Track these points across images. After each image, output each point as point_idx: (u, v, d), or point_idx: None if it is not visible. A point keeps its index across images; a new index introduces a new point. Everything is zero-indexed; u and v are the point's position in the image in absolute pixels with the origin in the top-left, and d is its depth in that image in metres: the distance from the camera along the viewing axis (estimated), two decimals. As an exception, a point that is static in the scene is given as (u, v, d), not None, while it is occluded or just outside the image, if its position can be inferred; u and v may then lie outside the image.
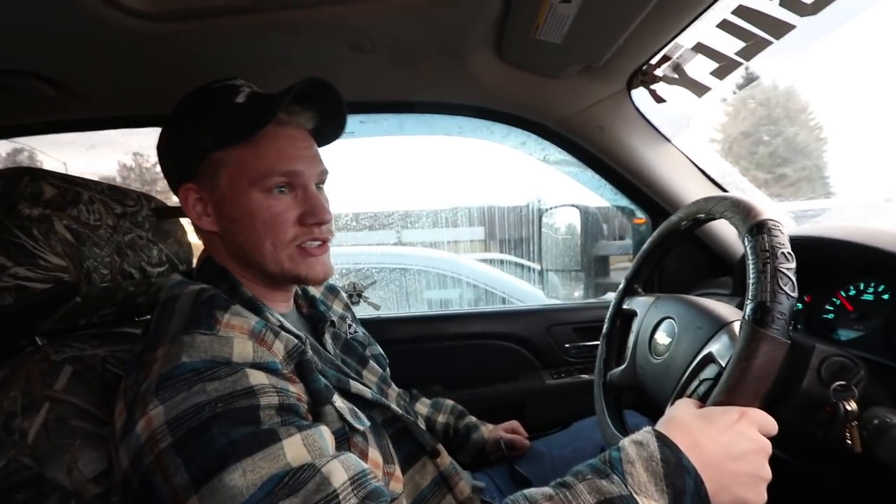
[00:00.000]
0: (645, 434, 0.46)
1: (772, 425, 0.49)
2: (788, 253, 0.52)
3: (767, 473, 0.47)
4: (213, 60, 0.85)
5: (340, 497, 0.43)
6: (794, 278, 0.51)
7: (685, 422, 0.48)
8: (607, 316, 0.87)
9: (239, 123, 0.59)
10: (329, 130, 0.70)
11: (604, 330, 0.86)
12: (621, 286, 0.88)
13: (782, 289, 0.50)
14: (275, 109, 0.58)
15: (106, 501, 0.51)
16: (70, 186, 0.65)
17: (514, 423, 1.01)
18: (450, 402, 1.02)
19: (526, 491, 0.45)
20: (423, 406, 1.00)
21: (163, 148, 0.65)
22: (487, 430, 0.99)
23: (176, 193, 0.65)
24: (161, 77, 0.88)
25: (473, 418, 1.01)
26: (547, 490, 0.44)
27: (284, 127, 0.62)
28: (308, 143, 0.65)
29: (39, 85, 0.85)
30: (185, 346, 0.49)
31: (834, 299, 0.82)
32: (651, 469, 0.42)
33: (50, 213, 0.60)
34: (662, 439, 0.45)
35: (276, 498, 0.41)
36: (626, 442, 0.46)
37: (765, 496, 0.47)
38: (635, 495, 0.41)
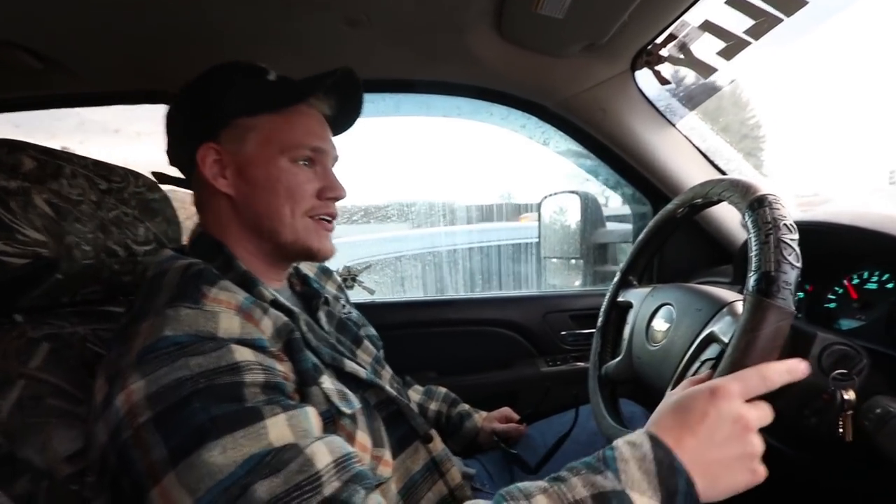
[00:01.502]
0: (639, 435, 0.46)
1: (751, 385, 0.47)
2: (791, 224, 0.51)
3: (755, 447, 0.46)
4: (205, 34, 0.82)
5: (323, 479, 0.43)
6: (797, 249, 0.50)
7: (665, 419, 0.48)
8: (602, 309, 0.85)
9: (274, 94, 0.63)
10: (341, 122, 0.73)
11: (598, 323, 0.84)
12: (616, 278, 0.86)
13: (786, 258, 0.49)
14: (310, 90, 0.63)
15: (79, 481, 0.50)
16: (51, 159, 0.62)
17: (506, 410, 1.00)
18: (442, 390, 1.01)
19: (520, 484, 0.45)
20: (415, 393, 0.99)
21: (177, 113, 0.66)
22: (480, 417, 0.98)
23: (180, 159, 0.66)
24: (152, 51, 0.85)
25: (466, 406, 1.00)
26: (541, 483, 0.45)
27: (311, 108, 0.66)
28: (325, 125, 0.68)
29: (25, 57, 0.82)
30: (169, 320, 0.48)
31: (837, 288, 0.80)
32: (644, 468, 0.43)
33: (29, 185, 0.58)
34: (655, 440, 0.45)
35: (257, 476, 0.41)
36: (619, 442, 0.46)
37: (760, 470, 0.46)
38: (628, 491, 0.42)
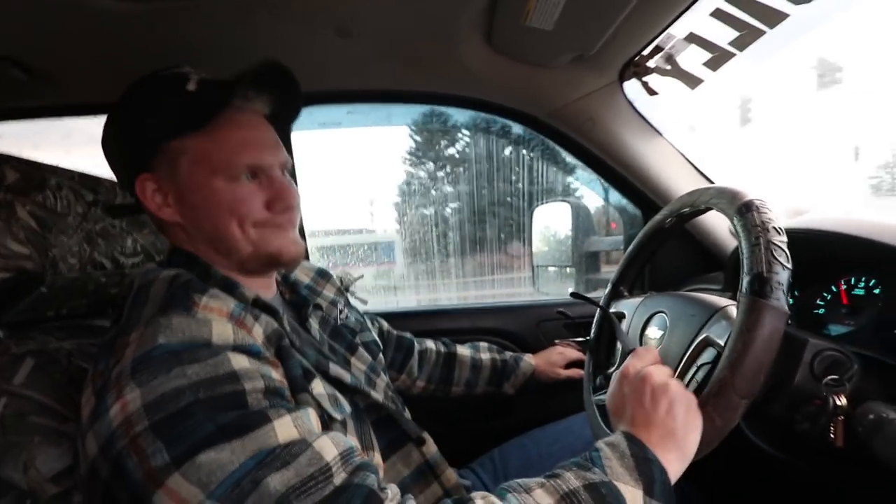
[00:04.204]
0: (616, 436, 0.52)
1: (641, 351, 0.60)
2: (779, 227, 0.52)
3: (674, 388, 0.53)
4: (193, 45, 0.81)
5: (333, 470, 0.44)
6: (787, 251, 0.51)
7: (617, 414, 0.57)
8: (594, 322, 0.85)
9: (192, 111, 0.56)
10: (285, 115, 0.67)
11: (591, 335, 0.85)
12: (607, 290, 0.86)
13: (777, 259, 0.50)
14: (229, 95, 0.56)
15: (65, 502, 0.48)
16: (35, 171, 0.61)
17: (557, 350, 1.11)
18: (485, 344, 1.08)
19: (519, 479, 0.49)
20: (464, 349, 1.05)
21: (110, 140, 0.61)
22: (531, 358, 1.07)
23: (126, 187, 0.62)
24: (137, 62, 0.84)
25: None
26: (538, 478, 0.49)
27: (241, 113, 0.60)
28: (267, 129, 0.62)
29: (9, 68, 0.81)
30: (161, 328, 0.47)
31: (825, 293, 0.81)
32: (625, 464, 0.48)
33: (12, 197, 0.57)
34: (630, 438, 0.51)
35: (268, 469, 0.41)
36: (601, 444, 0.52)
37: (693, 404, 0.52)
38: (615, 482, 0.47)
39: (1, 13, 0.67)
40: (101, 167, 0.75)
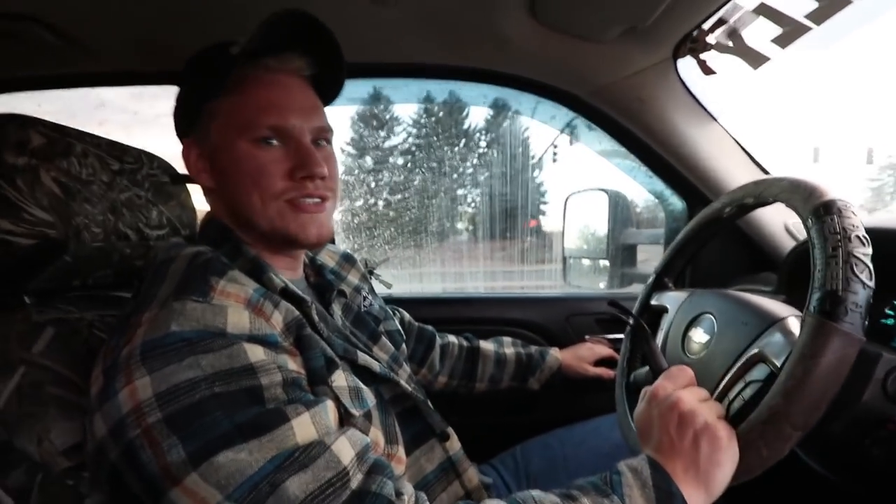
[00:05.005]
0: (640, 460, 0.49)
1: (674, 371, 0.54)
2: (863, 237, 0.45)
3: (703, 419, 0.48)
4: (223, 13, 0.79)
5: (350, 473, 0.43)
6: (870, 266, 0.44)
7: (644, 436, 0.53)
8: (633, 311, 0.80)
9: (228, 69, 0.55)
10: (329, 79, 0.63)
11: (628, 326, 0.79)
12: (650, 279, 0.80)
13: (857, 276, 0.43)
14: (252, 52, 0.55)
15: (76, 476, 0.47)
16: (61, 137, 0.60)
17: (587, 346, 1.05)
18: (508, 339, 1.04)
19: (534, 492, 0.48)
20: (487, 344, 1.01)
21: (174, 109, 0.63)
22: (557, 352, 1.02)
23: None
24: (168, 30, 0.83)
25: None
26: (553, 497, 0.47)
27: (275, 74, 0.58)
28: (304, 93, 0.60)
29: (42, 32, 0.81)
30: (175, 314, 0.45)
31: (895, 302, 0.72)
32: (646, 495, 0.46)
33: (37, 163, 0.56)
34: (654, 466, 0.48)
35: (286, 473, 0.41)
36: (623, 467, 0.48)
37: (721, 440, 0.46)
38: None
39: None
40: (133, 138, 0.75)
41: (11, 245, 0.54)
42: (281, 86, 0.58)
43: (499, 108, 1.21)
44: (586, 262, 1.52)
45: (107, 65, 0.91)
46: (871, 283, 0.43)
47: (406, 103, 1.39)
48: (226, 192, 0.59)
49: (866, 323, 0.43)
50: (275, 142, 0.56)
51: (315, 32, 0.58)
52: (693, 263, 1.13)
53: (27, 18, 0.78)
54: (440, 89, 1.16)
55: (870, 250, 0.45)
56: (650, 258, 1.41)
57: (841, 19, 0.70)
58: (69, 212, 0.58)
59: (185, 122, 0.61)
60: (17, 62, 0.89)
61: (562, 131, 1.25)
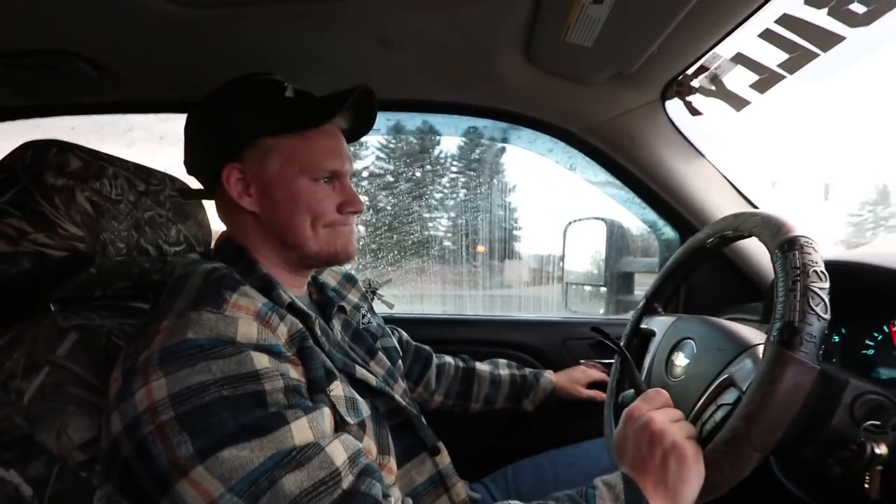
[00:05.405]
0: (615, 476, 0.52)
1: (651, 393, 0.58)
2: (821, 272, 0.48)
3: (672, 438, 0.51)
4: (243, 50, 0.86)
5: (342, 474, 0.47)
6: (826, 299, 0.47)
7: (620, 453, 0.56)
8: (623, 334, 0.83)
9: (294, 116, 0.64)
10: (356, 132, 0.76)
11: (616, 350, 0.82)
12: (640, 304, 0.84)
13: (813, 309, 0.46)
14: (334, 112, 0.65)
15: (90, 469, 0.51)
16: (95, 161, 0.67)
17: (581, 370, 1.08)
18: (504, 361, 1.08)
19: (513, 502, 0.52)
20: (482, 365, 1.05)
21: (198, 130, 0.69)
22: (552, 375, 1.05)
23: (202, 173, 0.69)
24: (194, 64, 0.91)
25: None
26: None
27: (329, 124, 0.68)
28: (343, 141, 0.71)
29: (82, 66, 0.89)
30: (191, 323, 0.50)
31: (875, 333, 0.75)
32: None
33: (73, 183, 0.62)
34: (628, 482, 0.51)
35: (284, 470, 0.45)
36: (599, 482, 0.52)
37: (688, 459, 0.49)
38: None
39: (75, 13, 0.74)
40: (157, 160, 0.82)
41: (45, 257, 0.59)
42: (336, 137, 0.69)
43: (471, 136, 1.28)
44: (587, 288, 1.56)
45: (137, 94, 0.99)
46: (826, 316, 0.47)
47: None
48: (274, 217, 0.65)
49: (820, 352, 0.47)
50: (328, 181, 0.67)
51: (369, 104, 0.71)
52: (689, 292, 1.17)
53: (68, 53, 0.87)
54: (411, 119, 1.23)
55: (827, 285, 0.48)
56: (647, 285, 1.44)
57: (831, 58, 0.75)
58: (98, 228, 0.63)
59: (228, 145, 0.65)
60: (57, 91, 0.97)
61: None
